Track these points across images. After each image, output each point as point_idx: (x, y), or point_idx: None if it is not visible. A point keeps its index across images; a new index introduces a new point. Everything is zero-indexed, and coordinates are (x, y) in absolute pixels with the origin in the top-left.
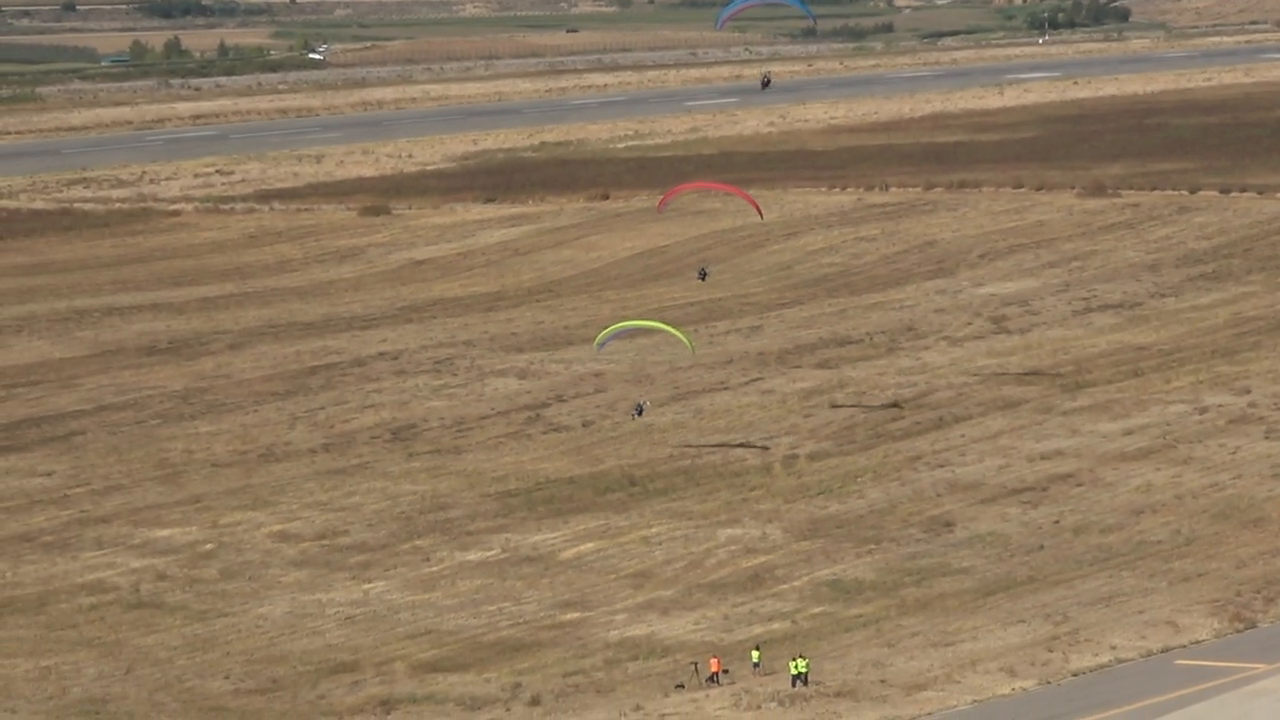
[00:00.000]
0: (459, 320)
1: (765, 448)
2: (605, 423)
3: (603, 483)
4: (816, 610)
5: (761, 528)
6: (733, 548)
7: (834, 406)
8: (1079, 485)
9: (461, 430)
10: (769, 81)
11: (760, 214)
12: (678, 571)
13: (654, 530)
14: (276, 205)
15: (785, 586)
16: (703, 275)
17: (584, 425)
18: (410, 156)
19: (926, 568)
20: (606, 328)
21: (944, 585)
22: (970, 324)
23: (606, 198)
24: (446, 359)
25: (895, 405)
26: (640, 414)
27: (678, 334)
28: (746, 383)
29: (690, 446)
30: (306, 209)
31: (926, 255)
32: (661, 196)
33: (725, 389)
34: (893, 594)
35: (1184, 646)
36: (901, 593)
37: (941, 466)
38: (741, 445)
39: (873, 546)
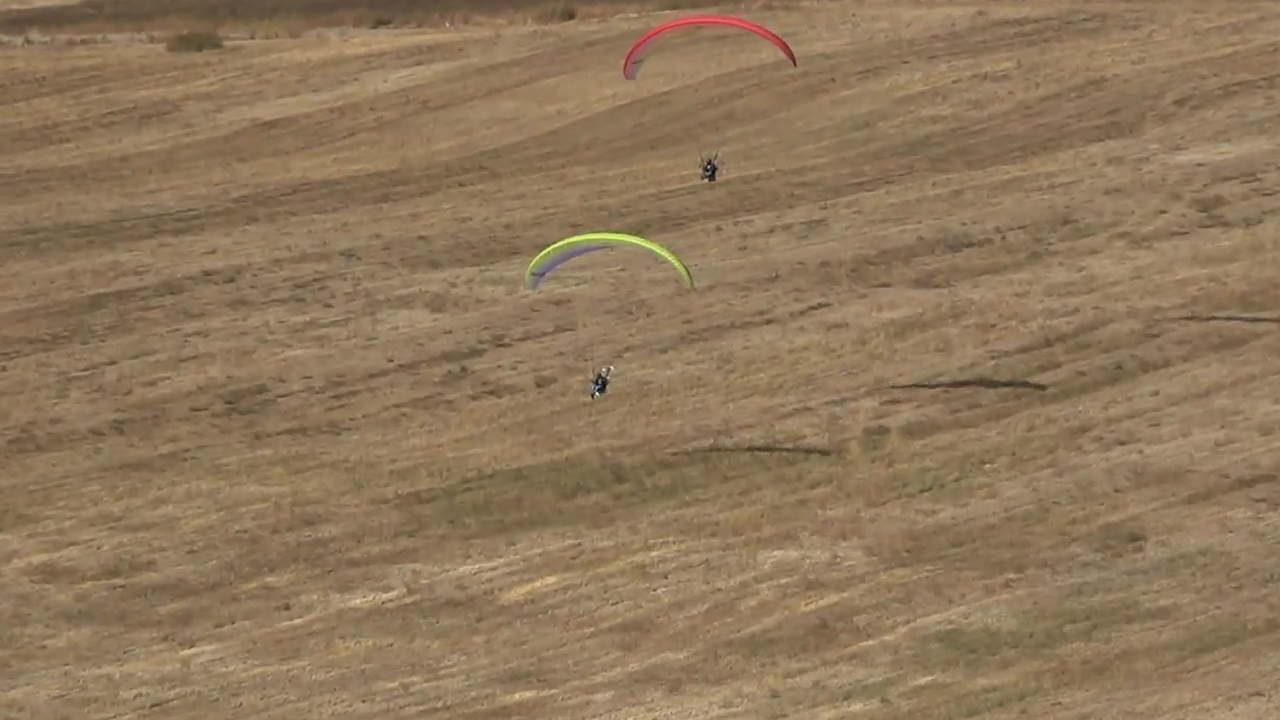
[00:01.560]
0: (333, 219)
1: (835, 418)
2: (573, 381)
3: (571, 478)
4: (923, 681)
5: (830, 547)
6: (784, 580)
7: (942, 349)
8: None
9: (340, 396)
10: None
11: (793, 59)
12: (694, 621)
13: (655, 554)
14: (35, 36)
15: (871, 643)
16: (710, 171)
17: (539, 386)
18: None
19: (1101, 609)
20: (546, 247)
21: (1130, 638)
22: (1164, 213)
23: (571, 16)
24: (314, 281)
25: (1046, 345)
26: (602, 389)
27: (665, 254)
28: (802, 312)
29: (712, 422)
30: (85, 40)
31: (1091, 103)
32: (630, 47)
33: (768, 322)
34: (1046, 653)
35: None
36: (1061, 651)
37: (1122, 444)
38: (797, 413)
39: (1012, 576)
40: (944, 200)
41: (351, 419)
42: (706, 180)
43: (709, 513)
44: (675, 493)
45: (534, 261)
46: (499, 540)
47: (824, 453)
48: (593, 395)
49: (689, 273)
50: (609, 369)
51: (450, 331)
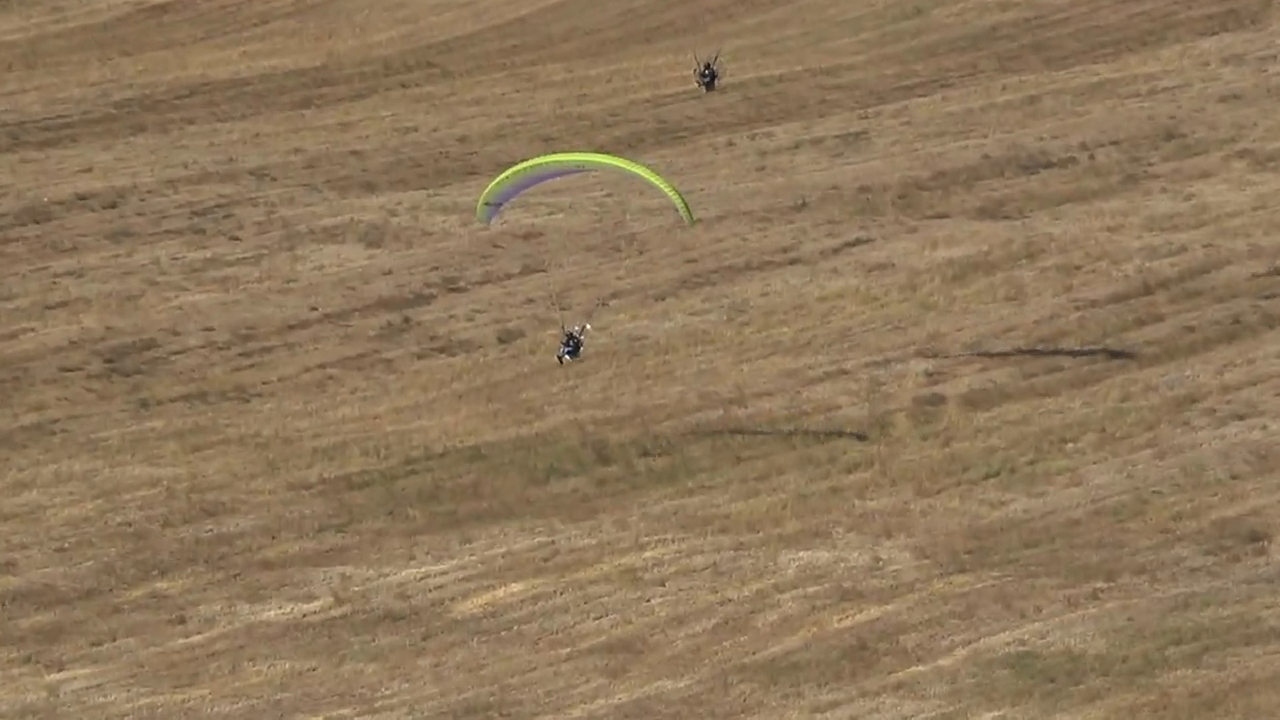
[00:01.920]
0: (241, 129)
1: (877, 383)
2: (545, 336)
3: (542, 458)
4: (988, 718)
5: (871, 548)
6: (812, 590)
7: (1014, 298)
8: None
9: (250, 354)
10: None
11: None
12: (698, 641)
13: (648, 555)
14: None
15: (922, 669)
16: (708, 78)
17: (502, 342)
18: None
19: (1213, 627)
20: (508, 168)
21: (1250, 663)
22: None
23: None
24: (217, 208)
25: (1145, 293)
26: (574, 352)
27: (657, 180)
28: (836, 249)
29: (721, 389)
30: None
31: None
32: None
33: (793, 262)
34: (1144, 682)
35: None
36: (1162, 679)
37: (1240, 419)
38: (829, 378)
39: (1101, 585)
40: (1016, 109)
41: (264, 382)
42: (703, 89)
43: (717, 503)
44: (675, 478)
45: (489, 188)
46: (451, 537)
47: (862, 430)
48: (560, 360)
49: (687, 205)
50: (583, 327)
51: (390, 272)
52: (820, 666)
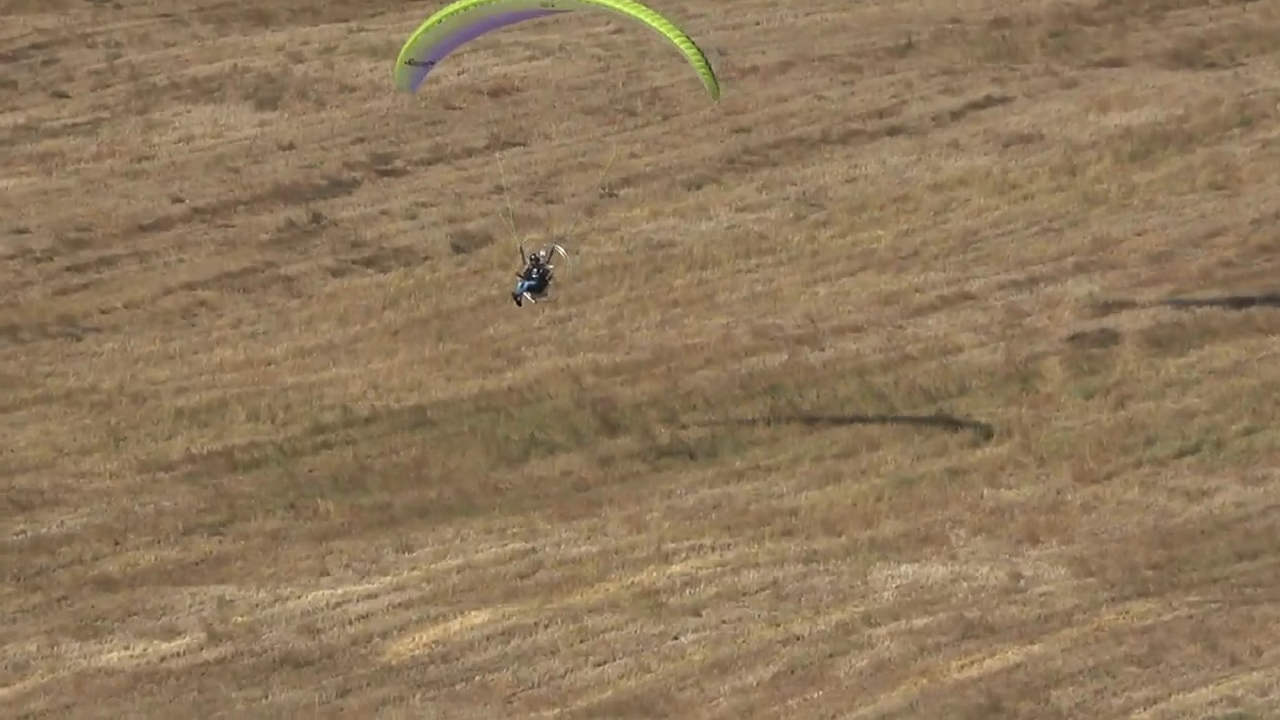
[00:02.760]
0: None
1: (1016, 313)
2: (525, 242)
3: (517, 424)
4: None
5: (1006, 559)
6: (921, 621)
7: (1220, 186)
8: None
9: (82, 268)
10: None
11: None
12: (750, 699)
13: (675, 570)
14: None
15: None
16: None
17: (459, 251)
18: None
19: None
20: (442, 6)
21: None
22: None
23: None
24: (32, 49)
25: None
26: (538, 287)
27: (667, 31)
28: (957, 112)
29: (784, 320)
30: None
31: None
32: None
33: (893, 132)
34: None
35: None
36: None
37: None
38: (943, 303)
39: None
40: None
41: (103, 311)
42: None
43: (779, 493)
44: (715, 455)
45: (415, 35)
46: (382, 543)
47: (994, 383)
48: (518, 299)
49: (710, 68)
50: (553, 250)
51: (291, 147)
52: None
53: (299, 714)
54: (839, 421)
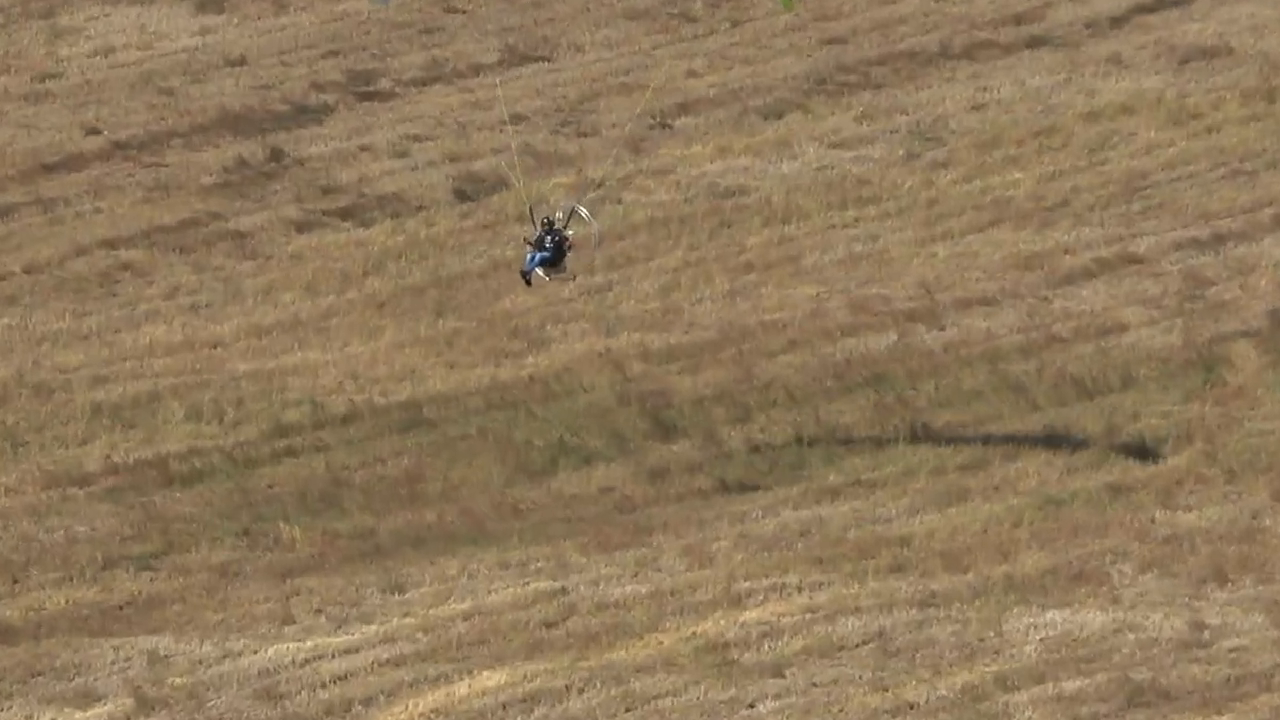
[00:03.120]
0: None
1: (1200, 282)
2: (549, 190)
3: (541, 426)
4: None
5: (1185, 603)
6: (1074, 684)
7: None
8: None
9: None
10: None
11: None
12: None
13: (750, 617)
14: None
15: None
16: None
17: (462, 200)
18: None
19: None
20: None
21: None
22: None
23: None
24: None
25: None
26: (552, 261)
27: None
28: (1119, 18)
29: (891, 291)
30: None
31: None
32: None
33: (1034, 43)
34: None
35: None
36: None
37: None
38: (1105, 268)
39: None
40: None
41: (2, 277)
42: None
43: (884, 514)
44: (802, 467)
45: None
46: (364, 579)
47: (1169, 372)
48: (526, 277)
49: None
50: (572, 211)
51: (243, 62)
52: None
53: None
54: (964, 425)
